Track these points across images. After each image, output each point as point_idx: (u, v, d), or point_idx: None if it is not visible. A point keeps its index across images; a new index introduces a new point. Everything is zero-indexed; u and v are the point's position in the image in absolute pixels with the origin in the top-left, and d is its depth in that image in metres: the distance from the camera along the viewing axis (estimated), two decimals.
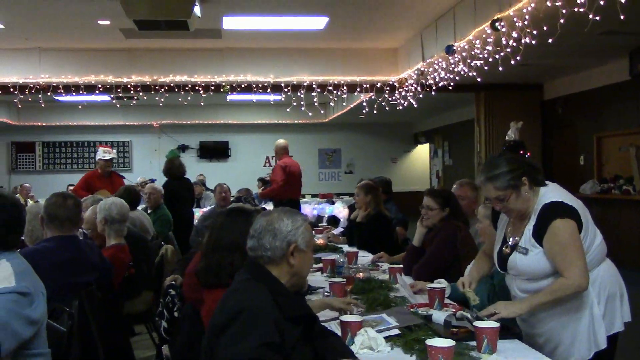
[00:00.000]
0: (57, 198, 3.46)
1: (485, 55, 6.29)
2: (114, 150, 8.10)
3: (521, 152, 8.58)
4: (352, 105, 11.14)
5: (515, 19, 5.49)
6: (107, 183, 7.19)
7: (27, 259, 2.57)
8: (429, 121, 15.31)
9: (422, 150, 16.60)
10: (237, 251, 2.68)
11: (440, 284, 3.33)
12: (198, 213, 9.35)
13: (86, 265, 3.39)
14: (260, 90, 9.15)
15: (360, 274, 3.82)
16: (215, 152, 15.84)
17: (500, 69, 6.29)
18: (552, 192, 2.71)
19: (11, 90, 8.77)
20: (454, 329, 2.79)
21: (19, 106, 9.81)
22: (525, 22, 5.34)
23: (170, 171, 8.03)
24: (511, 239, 2.82)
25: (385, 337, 2.59)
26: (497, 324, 2.48)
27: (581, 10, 4.60)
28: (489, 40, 6.08)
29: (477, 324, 2.50)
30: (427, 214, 3.96)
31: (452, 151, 14.43)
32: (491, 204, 2.87)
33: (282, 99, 10.07)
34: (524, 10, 5.34)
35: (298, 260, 2.23)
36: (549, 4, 4.90)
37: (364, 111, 10.08)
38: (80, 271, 3.33)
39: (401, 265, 3.98)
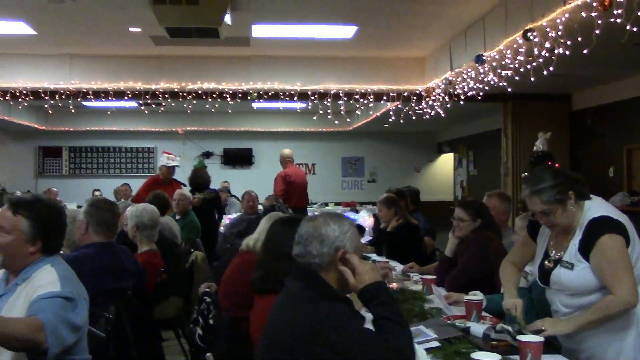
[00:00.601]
0: (106, 204, 3.50)
1: (517, 65, 6.24)
2: (178, 158, 8.13)
3: (549, 163, 8.50)
4: (378, 114, 11.12)
5: (548, 29, 5.44)
6: (168, 190, 7.11)
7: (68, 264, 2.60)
8: (453, 130, 15.23)
9: (446, 160, 16.50)
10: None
11: (476, 296, 3.30)
12: (224, 220, 9.41)
13: (123, 271, 3.42)
14: (287, 98, 9.17)
15: (394, 284, 3.80)
16: (239, 158, 15.90)
17: (532, 79, 6.23)
18: (598, 207, 2.67)
19: (42, 95, 8.90)
20: (494, 342, 2.76)
21: (50, 111, 9.92)
22: (559, 33, 5.28)
23: (194, 180, 8.13)
24: (554, 252, 2.78)
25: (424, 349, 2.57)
26: (541, 339, 2.45)
27: (618, 20, 4.55)
28: (520, 50, 6.02)
29: (521, 338, 2.47)
30: (458, 225, 3.94)
31: (477, 161, 14.33)
32: (535, 217, 2.83)
33: (309, 107, 10.10)
34: (558, 21, 5.28)
35: (347, 265, 2.21)
36: (584, 14, 4.85)
37: (390, 120, 10.06)
38: (118, 277, 3.36)
39: (434, 277, 3.95)
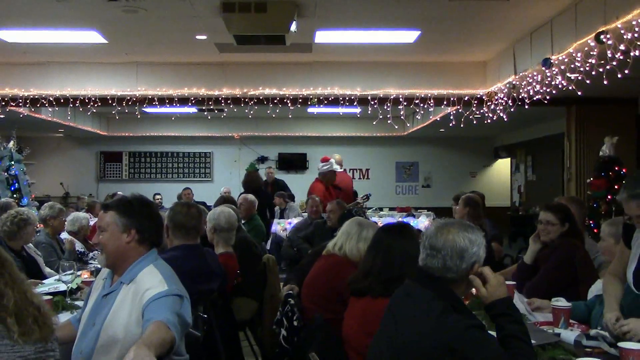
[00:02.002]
0: (182, 207, 3.59)
1: (587, 68, 6.13)
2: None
3: (616, 168, 8.32)
4: (437, 118, 11.05)
5: (623, 32, 5.33)
6: (326, 194, 7.59)
7: None
8: (510, 135, 15.01)
9: (503, 165, 16.27)
10: (410, 266, 2.72)
11: (559, 301, 3.27)
12: (283, 224, 9.52)
13: (210, 273, 3.51)
14: (347, 104, 9.21)
15: (474, 290, 3.77)
16: (294, 163, 16.04)
17: (605, 82, 6.11)
18: None
19: (109, 102, 9.18)
20: (588, 349, 2.73)
21: (117, 117, 10.22)
22: (636, 35, 5.17)
23: (247, 184, 8.61)
24: None
25: None
26: None
27: None
28: (592, 53, 5.92)
29: (623, 344, 2.44)
30: (546, 229, 3.86)
31: (536, 166, 14.09)
32: (631, 221, 2.79)
33: (369, 112, 10.12)
34: (634, 23, 5.18)
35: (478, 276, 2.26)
36: None
37: (450, 125, 9.99)
38: (206, 279, 3.44)
39: (514, 282, 3.91)
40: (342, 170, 9.82)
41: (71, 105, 9.29)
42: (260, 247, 6.62)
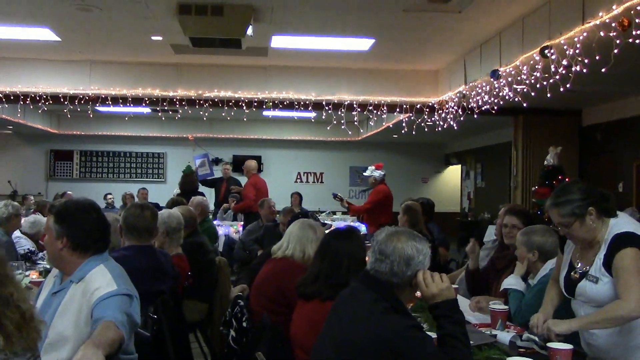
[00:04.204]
0: (136, 209, 3.62)
1: (533, 81, 6.38)
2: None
3: (560, 177, 8.62)
4: (390, 124, 11.24)
5: (565, 47, 5.58)
6: None
7: None
8: (461, 142, 15.37)
9: (454, 172, 16.63)
10: (355, 267, 2.82)
11: (497, 304, 3.43)
12: (235, 226, 9.55)
13: (162, 273, 3.54)
14: (302, 108, 9.32)
15: (419, 293, 3.91)
16: None
17: (549, 95, 6.37)
18: (624, 223, 2.79)
19: (61, 100, 9.04)
20: (521, 349, 2.88)
21: (68, 116, 10.07)
22: (577, 51, 5.42)
23: (184, 186, 9.11)
24: (579, 265, 2.89)
25: None
26: (570, 346, 2.57)
27: (637, 41, 4.68)
28: (537, 66, 6.17)
29: (551, 345, 2.59)
30: (511, 233, 3.99)
31: (485, 173, 14.46)
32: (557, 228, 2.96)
33: (323, 117, 10.21)
34: (576, 39, 5.42)
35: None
36: (602, 33, 4.98)
37: (402, 131, 10.19)
38: (157, 279, 3.48)
39: (457, 286, 4.07)
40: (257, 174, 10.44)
41: (21, 103, 9.13)
42: (213, 249, 6.66)
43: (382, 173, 8.75)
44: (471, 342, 2.89)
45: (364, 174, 9.26)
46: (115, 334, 2.22)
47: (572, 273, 2.92)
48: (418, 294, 3.98)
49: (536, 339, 2.89)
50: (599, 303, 2.79)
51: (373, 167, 8.80)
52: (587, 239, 2.82)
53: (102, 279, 2.52)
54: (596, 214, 2.78)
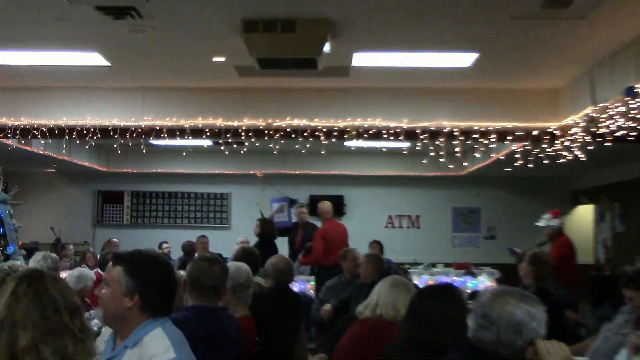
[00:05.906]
0: (204, 263, 3.77)
1: None
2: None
3: None
4: (501, 156, 11.13)
5: None
6: None
7: None
8: (593, 176, 14.98)
9: (584, 213, 16.17)
10: (452, 332, 2.86)
11: None
12: (313, 282, 9.67)
13: (226, 340, 3.66)
14: (392, 137, 9.38)
15: None
16: None
17: None
18: None
19: (111, 133, 9.49)
20: None
21: (119, 151, 10.56)
22: None
23: (264, 233, 9.51)
24: None
25: None
26: None
27: None
28: None
29: None
30: None
31: (625, 215, 14.00)
32: None
33: (418, 148, 10.23)
34: None
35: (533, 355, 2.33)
36: None
37: (515, 164, 10.08)
38: (220, 347, 3.60)
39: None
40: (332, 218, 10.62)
41: (67, 137, 9.63)
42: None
43: (562, 222, 8.77)
44: None
45: (538, 224, 9.44)
46: None
47: None
48: None
49: None
50: None
51: (549, 216, 8.87)
52: None
53: (160, 344, 2.67)
54: None
